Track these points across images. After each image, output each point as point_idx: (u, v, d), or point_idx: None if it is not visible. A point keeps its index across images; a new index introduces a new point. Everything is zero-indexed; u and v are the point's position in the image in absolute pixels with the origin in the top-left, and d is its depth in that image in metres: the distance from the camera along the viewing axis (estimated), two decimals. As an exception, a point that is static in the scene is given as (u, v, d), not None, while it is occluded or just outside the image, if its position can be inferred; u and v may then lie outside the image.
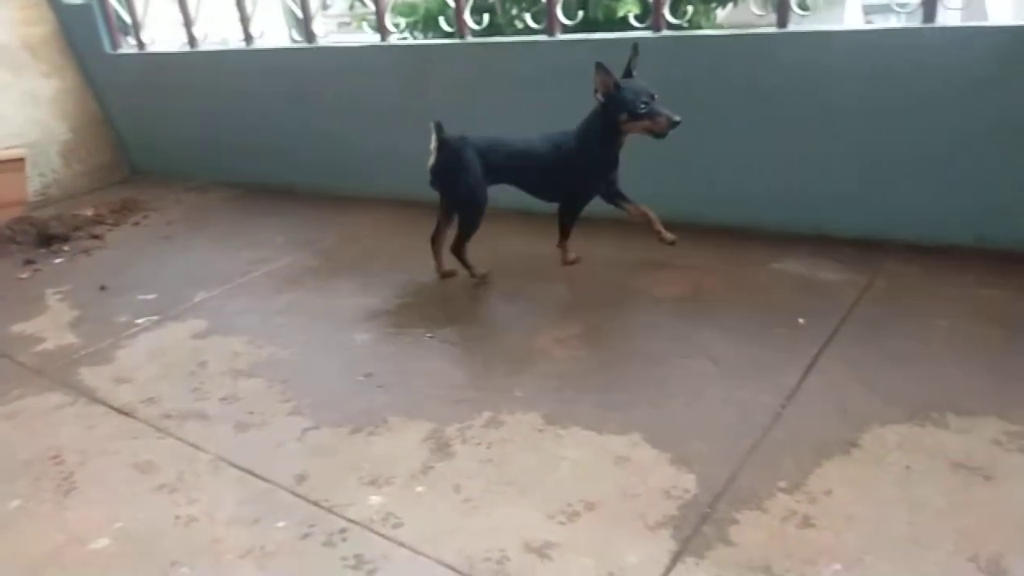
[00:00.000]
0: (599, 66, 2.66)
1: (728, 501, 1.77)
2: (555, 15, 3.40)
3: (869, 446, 1.90)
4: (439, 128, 2.83)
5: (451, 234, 3.02)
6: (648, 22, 3.25)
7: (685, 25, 3.24)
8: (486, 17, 3.68)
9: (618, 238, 3.27)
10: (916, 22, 2.79)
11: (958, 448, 1.86)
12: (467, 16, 3.63)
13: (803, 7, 2.97)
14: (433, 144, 2.86)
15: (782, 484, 1.79)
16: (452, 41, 3.76)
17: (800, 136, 3.03)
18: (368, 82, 4.00)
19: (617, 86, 2.67)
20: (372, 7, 3.94)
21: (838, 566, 1.56)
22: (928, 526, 1.64)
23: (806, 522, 1.68)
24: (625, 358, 2.45)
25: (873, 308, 2.57)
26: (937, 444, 1.88)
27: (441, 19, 3.84)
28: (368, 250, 3.56)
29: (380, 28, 3.90)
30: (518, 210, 3.33)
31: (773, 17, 3.02)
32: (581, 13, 3.54)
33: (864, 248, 2.97)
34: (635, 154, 2.84)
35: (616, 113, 2.69)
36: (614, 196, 2.94)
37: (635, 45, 2.72)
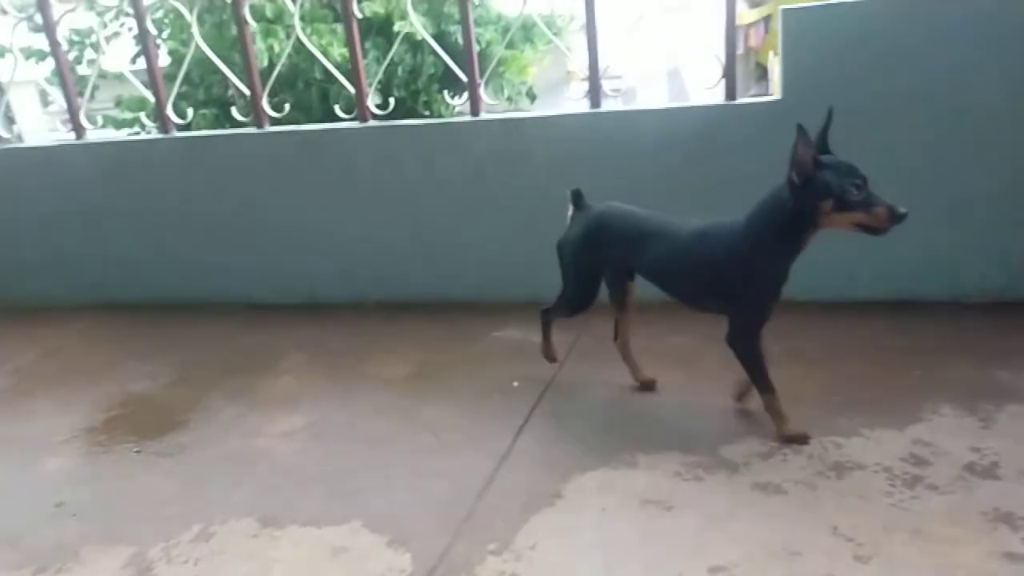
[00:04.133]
0: (801, 132, 1.95)
1: (442, 573, 1.79)
2: (261, 108, 3.40)
3: (571, 495, 2.03)
4: (576, 196, 2.50)
5: (635, 330, 2.61)
6: (355, 113, 3.36)
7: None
8: (190, 112, 3.60)
9: (349, 323, 3.28)
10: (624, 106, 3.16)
11: (646, 484, 2.04)
12: (170, 111, 3.53)
13: (518, 97, 3.22)
14: (569, 212, 2.53)
15: (492, 547, 1.85)
16: (155, 136, 3.62)
17: (508, 212, 3.26)
18: (67, 181, 3.72)
19: (818, 163, 1.99)
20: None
21: (540, 618, 1.63)
22: (620, 562, 1.77)
23: (513, 580, 1.74)
24: (352, 445, 2.42)
25: (578, 364, 2.78)
26: (628, 484, 2.05)
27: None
28: (71, 363, 3.23)
29: (75, 126, 3.66)
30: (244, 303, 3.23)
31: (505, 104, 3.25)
32: (287, 107, 3.57)
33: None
34: (365, 237, 2.84)
35: (816, 199, 1.98)
36: None
37: (830, 110, 2.07)
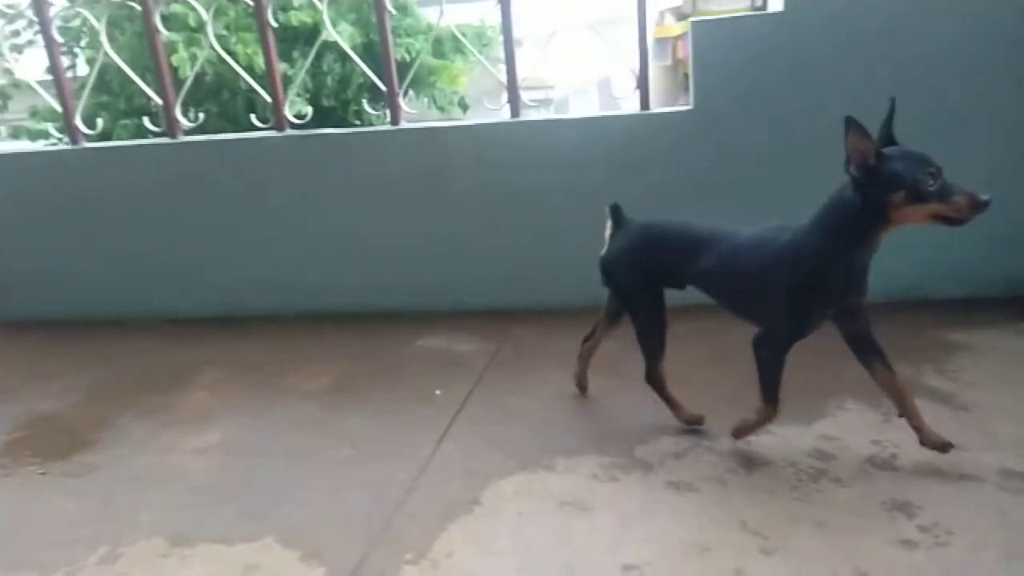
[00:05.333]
0: (851, 123, 1.82)
1: (357, 586, 1.77)
2: (174, 117, 3.32)
3: (489, 501, 2.03)
4: (615, 211, 2.37)
5: (613, 346, 2.50)
6: (272, 122, 3.31)
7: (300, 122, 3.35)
8: (99, 122, 3.50)
9: (268, 336, 3.23)
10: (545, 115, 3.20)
11: (563, 487, 2.06)
12: (78, 121, 3.41)
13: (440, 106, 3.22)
14: (608, 229, 2.40)
15: (409, 556, 1.84)
16: (64, 148, 3.50)
17: (430, 222, 3.26)
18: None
19: (881, 155, 1.84)
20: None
21: (454, 625, 1.62)
22: (535, 565, 1.78)
23: (428, 589, 1.73)
24: (269, 460, 2.37)
25: (499, 371, 2.79)
26: (546, 487, 2.07)
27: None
28: (-27, 385, 3.08)
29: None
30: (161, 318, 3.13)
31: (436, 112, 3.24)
32: (206, 116, 3.50)
33: (495, 318, 3.24)
34: (284, 248, 2.80)
35: (885, 192, 1.83)
36: (859, 337, 2.08)
37: (892, 99, 1.92)
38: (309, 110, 3.31)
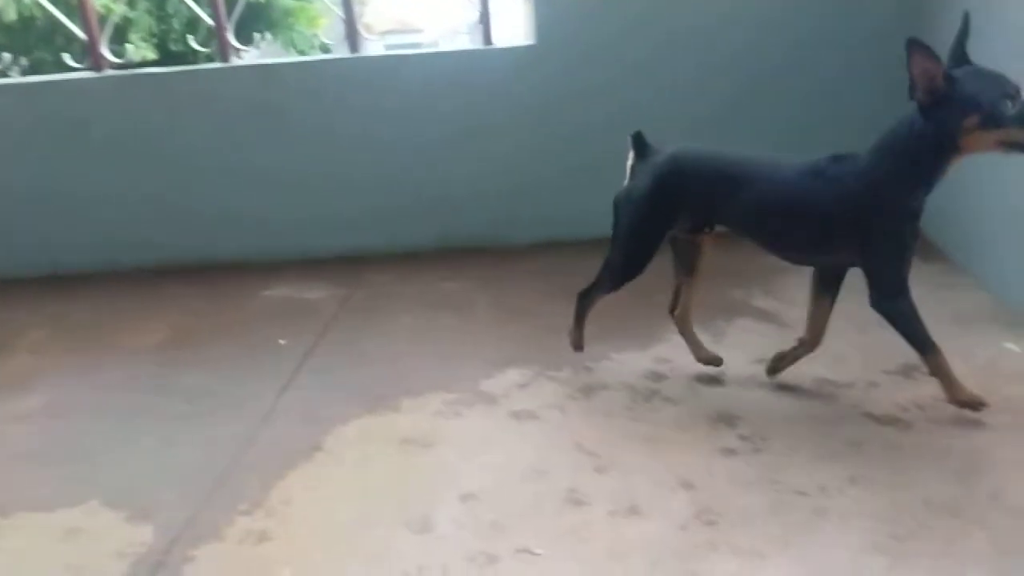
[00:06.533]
0: (915, 45, 1.63)
1: (186, 541, 1.69)
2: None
3: (331, 446, 1.99)
4: (638, 139, 2.07)
5: (699, 300, 2.19)
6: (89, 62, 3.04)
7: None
8: None
9: (98, 294, 3.02)
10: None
11: (407, 426, 2.04)
12: None
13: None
14: (630, 160, 2.10)
15: (243, 507, 1.78)
16: None
17: (270, 166, 3.11)
18: None
19: (950, 78, 1.66)
20: None
21: (288, 570, 1.59)
22: (374, 504, 1.76)
23: (263, 537, 1.68)
24: (96, 422, 2.23)
25: (350, 317, 2.73)
26: (390, 427, 2.05)
27: None
28: None
29: None
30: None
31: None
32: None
33: (347, 264, 3.17)
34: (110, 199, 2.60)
35: (960, 118, 1.65)
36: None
37: (966, 14, 1.72)
38: (152, 55, 3.06)
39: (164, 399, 2.29)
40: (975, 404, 1.83)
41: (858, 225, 1.80)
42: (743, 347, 2.28)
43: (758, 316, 2.47)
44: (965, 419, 1.85)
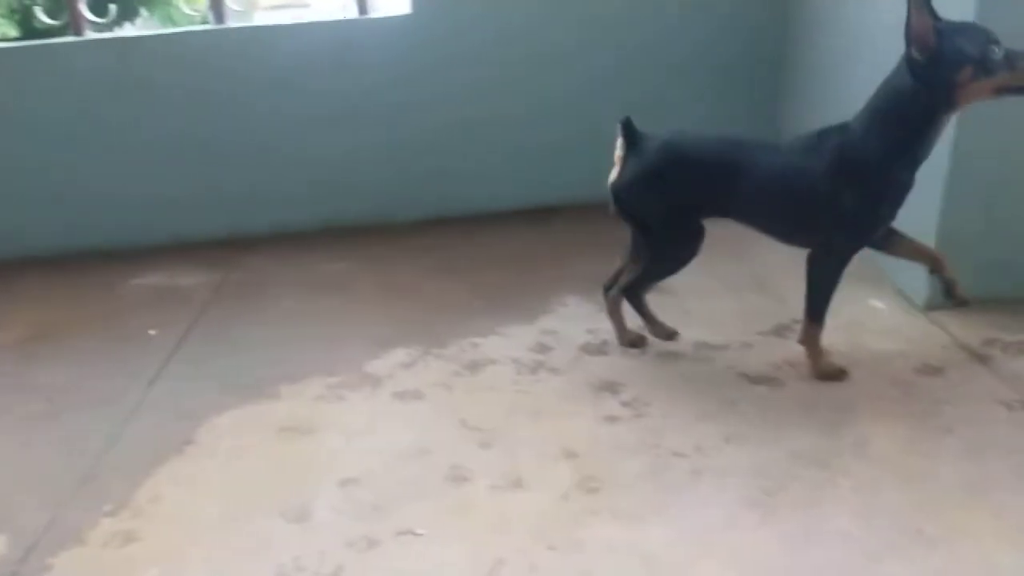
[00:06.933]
0: (915, 1, 1.60)
1: (44, 548, 1.57)
2: None
3: (203, 439, 1.89)
4: (627, 126, 1.91)
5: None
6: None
7: None
8: None
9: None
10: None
11: (285, 413, 1.96)
12: None
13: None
14: (619, 149, 1.94)
15: (108, 508, 1.66)
16: None
17: (131, 146, 2.92)
18: None
19: (940, 32, 1.62)
20: None
21: (155, 571, 1.50)
22: (247, 497, 1.68)
23: (129, 538, 1.58)
24: (-58, 428, 2.05)
25: (225, 303, 2.61)
26: (267, 416, 1.96)
27: None
28: None
29: None
30: None
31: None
32: None
33: (223, 247, 3.02)
34: None
35: (952, 71, 1.63)
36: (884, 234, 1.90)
37: None
38: (15, 32, 2.80)
39: (21, 397, 2.13)
40: (837, 375, 1.92)
41: (845, 194, 1.76)
42: (628, 316, 2.30)
43: (643, 285, 2.50)
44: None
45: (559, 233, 2.98)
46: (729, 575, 1.38)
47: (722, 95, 3.01)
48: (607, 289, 2.14)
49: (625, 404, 1.89)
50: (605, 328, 2.23)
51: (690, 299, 2.35)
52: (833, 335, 1.98)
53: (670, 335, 2.13)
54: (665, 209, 1.93)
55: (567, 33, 2.93)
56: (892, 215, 1.82)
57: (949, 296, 1.90)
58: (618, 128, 1.93)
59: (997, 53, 1.62)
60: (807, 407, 1.83)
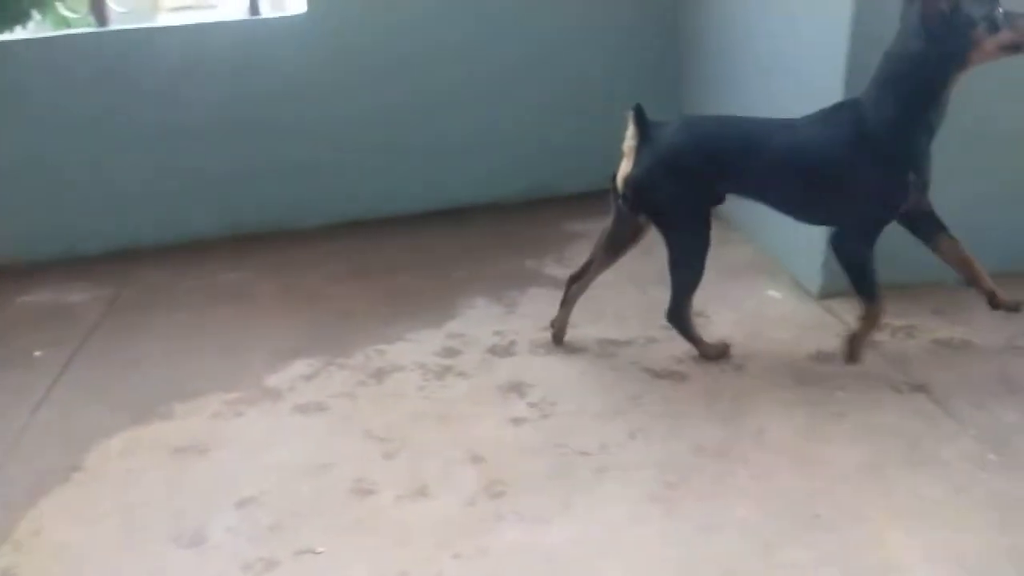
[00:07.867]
0: None
1: (-92, 597, 1.46)
2: None
3: (92, 464, 1.79)
4: (639, 115, 1.83)
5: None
6: None
7: None
8: None
9: None
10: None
11: (179, 433, 1.88)
12: None
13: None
14: (630, 139, 1.85)
15: (-14, 545, 1.56)
16: None
17: (15, 153, 2.75)
18: None
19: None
20: None
21: (34, 611, 1.41)
22: (142, 522, 1.59)
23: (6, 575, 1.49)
24: None
25: (118, 320, 2.49)
26: (160, 436, 1.87)
27: None
28: None
29: None
30: None
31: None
32: None
33: (115, 260, 2.89)
34: None
35: (966, 32, 1.68)
36: (924, 215, 1.86)
37: None
38: None
39: None
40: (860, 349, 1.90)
41: (867, 168, 1.78)
42: (534, 316, 2.29)
43: (550, 284, 2.49)
44: (733, 366, 1.97)
45: (470, 234, 2.96)
46: (632, 571, 1.38)
47: (626, 93, 3.04)
48: (572, 281, 2.10)
49: (532, 405, 1.88)
50: (513, 328, 2.23)
51: (601, 297, 2.35)
52: (733, 327, 2.02)
53: (722, 353, 2.01)
54: (686, 195, 1.89)
55: (464, 28, 2.91)
56: (919, 185, 1.80)
57: (995, 307, 1.90)
58: (629, 116, 1.86)
59: (1000, 13, 1.69)
60: (709, 399, 1.85)
